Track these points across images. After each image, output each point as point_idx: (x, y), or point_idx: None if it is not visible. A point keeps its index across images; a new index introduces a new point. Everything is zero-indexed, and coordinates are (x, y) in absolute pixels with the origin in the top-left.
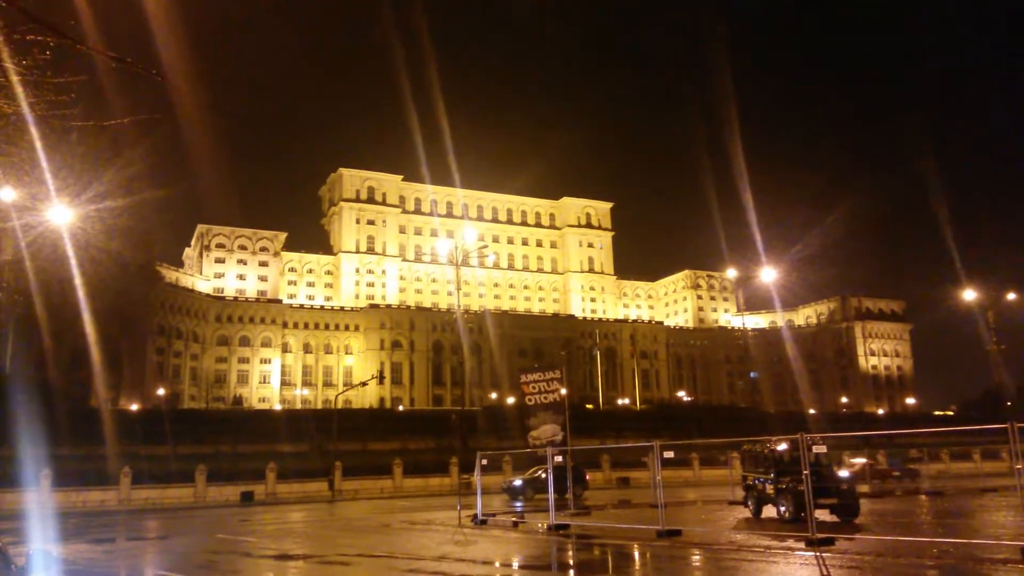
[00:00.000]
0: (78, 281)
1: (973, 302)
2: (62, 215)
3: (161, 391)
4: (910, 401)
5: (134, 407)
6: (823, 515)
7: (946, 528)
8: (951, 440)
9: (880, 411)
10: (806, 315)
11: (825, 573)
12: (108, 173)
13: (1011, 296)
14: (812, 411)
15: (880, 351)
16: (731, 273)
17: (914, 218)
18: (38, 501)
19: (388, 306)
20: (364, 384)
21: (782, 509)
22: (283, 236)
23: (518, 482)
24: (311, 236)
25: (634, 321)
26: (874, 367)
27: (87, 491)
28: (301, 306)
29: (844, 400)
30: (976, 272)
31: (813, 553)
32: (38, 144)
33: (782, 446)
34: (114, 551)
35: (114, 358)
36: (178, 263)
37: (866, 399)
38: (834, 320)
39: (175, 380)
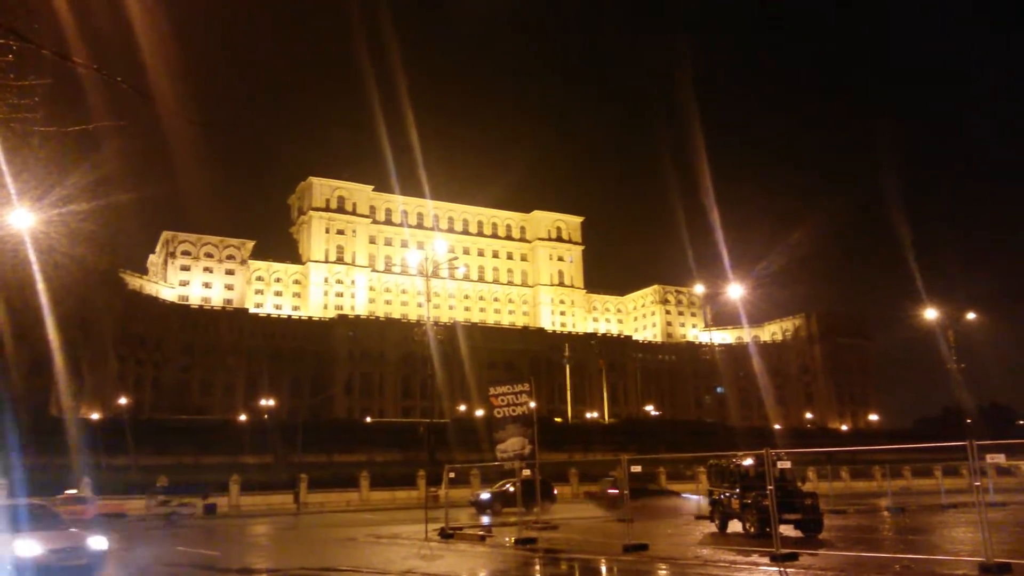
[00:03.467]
0: (40, 287)
1: (934, 321)
2: (23, 219)
3: (123, 400)
4: (872, 418)
5: (95, 416)
6: (787, 530)
7: (907, 544)
8: (912, 456)
9: (844, 427)
10: (772, 331)
11: None
12: (73, 177)
13: (971, 316)
14: (777, 426)
15: (843, 368)
16: (699, 289)
17: (878, 238)
18: None
19: (357, 316)
20: (330, 395)
21: (747, 524)
22: (250, 244)
23: (486, 496)
24: (279, 245)
25: (603, 335)
26: (837, 383)
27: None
28: (268, 315)
29: (809, 416)
30: (937, 292)
31: (777, 568)
32: None
33: (748, 461)
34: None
35: (75, 366)
36: (142, 270)
37: (830, 415)
38: (799, 336)
39: (137, 389)
